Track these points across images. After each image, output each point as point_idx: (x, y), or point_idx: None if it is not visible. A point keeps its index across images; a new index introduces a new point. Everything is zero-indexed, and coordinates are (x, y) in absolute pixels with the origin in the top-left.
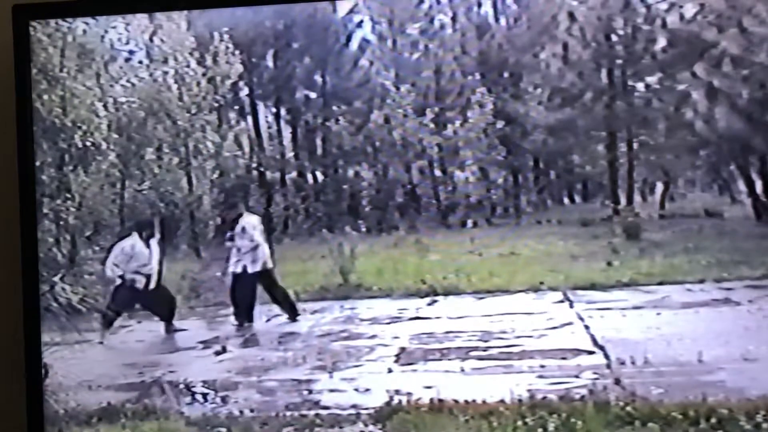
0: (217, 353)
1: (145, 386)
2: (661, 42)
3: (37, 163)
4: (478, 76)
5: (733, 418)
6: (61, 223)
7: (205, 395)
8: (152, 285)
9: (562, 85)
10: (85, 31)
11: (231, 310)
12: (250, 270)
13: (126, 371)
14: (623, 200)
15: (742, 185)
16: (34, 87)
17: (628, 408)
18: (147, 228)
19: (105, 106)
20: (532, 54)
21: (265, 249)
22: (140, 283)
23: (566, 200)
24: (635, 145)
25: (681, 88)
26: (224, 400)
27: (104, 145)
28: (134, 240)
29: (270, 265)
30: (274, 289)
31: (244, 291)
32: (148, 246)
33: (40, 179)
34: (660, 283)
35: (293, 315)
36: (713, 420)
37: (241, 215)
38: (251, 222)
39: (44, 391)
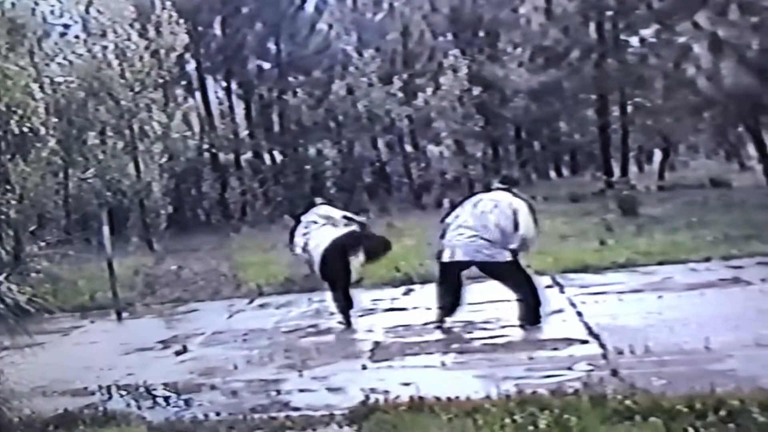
0: (178, 353)
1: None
2: None
3: None
4: (450, 37)
5: (745, 410)
6: (2, 217)
7: (166, 398)
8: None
9: (545, 42)
10: (13, 4)
11: (193, 305)
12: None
13: (82, 375)
14: (617, 171)
15: (752, 149)
16: None
17: (627, 401)
18: None
19: (41, 88)
20: (510, 8)
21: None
22: None
23: (553, 174)
24: (629, 109)
25: (681, 41)
26: (187, 403)
27: (43, 131)
28: None
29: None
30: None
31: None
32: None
33: None
34: (660, 263)
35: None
36: (722, 412)
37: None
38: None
39: None
